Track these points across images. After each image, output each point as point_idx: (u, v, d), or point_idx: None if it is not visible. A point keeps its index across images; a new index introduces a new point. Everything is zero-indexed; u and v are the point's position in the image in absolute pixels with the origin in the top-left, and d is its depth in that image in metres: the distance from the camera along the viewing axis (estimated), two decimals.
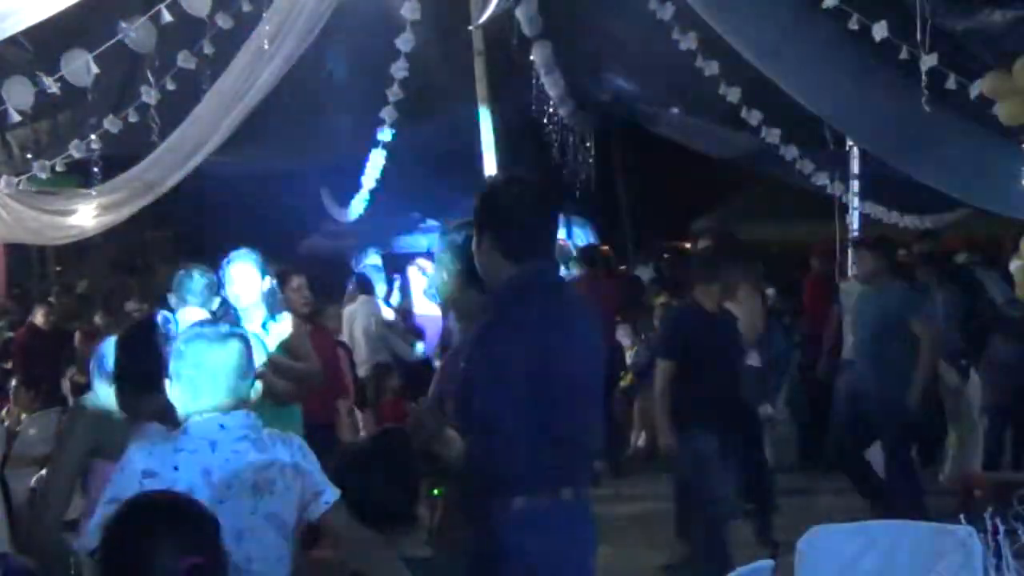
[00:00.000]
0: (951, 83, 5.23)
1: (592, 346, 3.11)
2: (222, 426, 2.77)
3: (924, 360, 6.25)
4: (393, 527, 2.89)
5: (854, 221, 8.54)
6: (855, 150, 8.17)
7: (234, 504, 2.70)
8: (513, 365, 2.83)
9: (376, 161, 9.43)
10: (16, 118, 6.12)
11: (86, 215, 6.93)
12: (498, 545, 2.87)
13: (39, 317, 9.80)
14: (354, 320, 8.20)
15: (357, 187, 10.29)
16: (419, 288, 9.07)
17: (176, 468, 2.70)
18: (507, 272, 2.97)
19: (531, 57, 7.84)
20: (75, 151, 6.46)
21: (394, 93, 7.72)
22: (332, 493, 2.84)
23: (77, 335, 10.58)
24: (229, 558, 2.17)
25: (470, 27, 6.38)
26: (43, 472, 7.47)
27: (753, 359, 6.65)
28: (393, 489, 2.91)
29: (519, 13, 7.03)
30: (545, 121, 8.77)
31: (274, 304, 4.99)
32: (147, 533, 2.04)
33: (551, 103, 8.54)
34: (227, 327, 2.98)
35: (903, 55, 5.19)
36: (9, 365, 9.18)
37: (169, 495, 2.31)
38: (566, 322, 3.01)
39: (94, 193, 6.86)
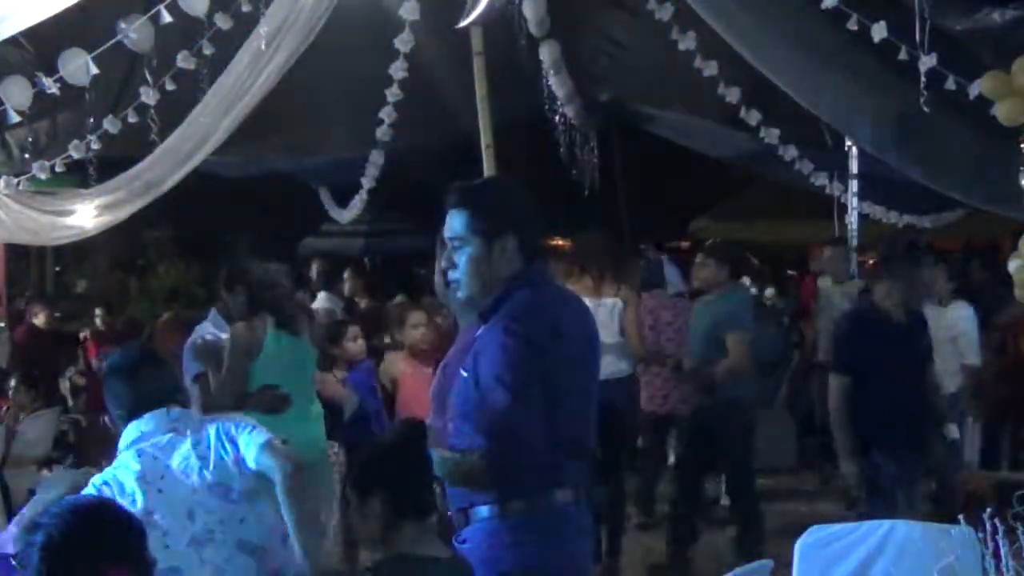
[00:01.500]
0: (950, 83, 5.23)
1: (593, 342, 3.12)
2: (141, 432, 3.16)
3: (721, 372, 6.03)
4: (421, 520, 2.88)
5: (853, 221, 8.54)
6: (854, 150, 8.17)
7: (173, 490, 3.08)
8: (537, 366, 2.82)
9: (374, 161, 9.43)
10: (15, 118, 6.12)
11: (85, 215, 6.92)
12: (497, 547, 2.87)
13: (39, 318, 9.80)
14: None
15: (356, 187, 10.30)
16: None
17: (121, 484, 3.07)
18: (514, 272, 2.95)
19: (540, 58, 7.83)
20: (75, 151, 6.47)
21: (393, 93, 7.72)
22: (257, 438, 3.16)
23: (86, 335, 10.58)
24: (155, 565, 2.14)
25: (455, 27, 6.36)
26: (42, 473, 7.50)
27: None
28: (422, 482, 2.90)
29: (527, 13, 7.02)
30: (556, 120, 8.75)
31: None
32: (70, 541, 1.95)
33: (558, 103, 8.53)
34: (135, 351, 3.48)
35: (902, 55, 5.19)
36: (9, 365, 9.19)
37: (95, 501, 2.24)
38: (572, 318, 3.02)
39: (93, 193, 6.85)
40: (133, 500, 3.02)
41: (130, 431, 3.17)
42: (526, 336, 2.83)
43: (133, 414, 3.19)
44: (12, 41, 5.87)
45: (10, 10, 5.43)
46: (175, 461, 3.11)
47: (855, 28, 5.25)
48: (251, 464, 3.13)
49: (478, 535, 2.92)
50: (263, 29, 5.91)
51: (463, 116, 7.43)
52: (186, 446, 3.14)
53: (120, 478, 3.08)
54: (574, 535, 2.96)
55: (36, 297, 11.20)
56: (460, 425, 2.96)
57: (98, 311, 10.76)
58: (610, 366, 6.09)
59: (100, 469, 3.16)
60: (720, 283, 6.28)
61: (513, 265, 2.95)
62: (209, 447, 3.15)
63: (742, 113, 7.63)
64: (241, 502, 3.11)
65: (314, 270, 10.38)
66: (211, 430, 3.19)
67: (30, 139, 6.64)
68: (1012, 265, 5.89)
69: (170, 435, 3.14)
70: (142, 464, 3.08)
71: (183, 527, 3.04)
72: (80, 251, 12.39)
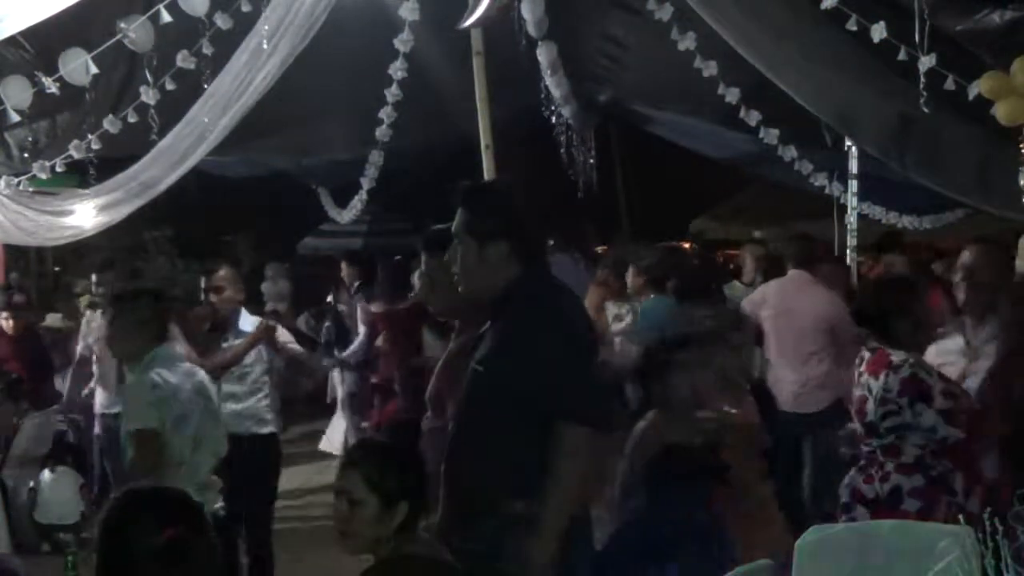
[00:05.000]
0: (950, 83, 5.23)
1: (594, 342, 3.14)
2: (170, 354, 4.49)
3: None
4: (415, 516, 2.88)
5: (852, 221, 8.53)
6: (854, 150, 8.15)
7: (189, 401, 4.40)
8: (544, 367, 2.83)
9: (374, 161, 9.43)
10: (15, 118, 6.12)
11: (83, 215, 6.91)
12: (498, 548, 2.87)
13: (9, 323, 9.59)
14: None
15: (356, 187, 10.29)
16: None
17: (171, 387, 4.34)
18: (512, 276, 2.96)
19: (539, 58, 7.83)
20: (75, 151, 6.46)
21: (393, 93, 7.72)
22: None
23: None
24: (214, 538, 2.38)
25: (456, 27, 6.37)
26: (44, 472, 7.50)
27: None
28: (411, 481, 2.90)
29: (526, 14, 7.03)
30: (554, 122, 8.75)
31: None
32: (133, 516, 2.28)
33: (555, 104, 8.53)
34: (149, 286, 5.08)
35: (901, 56, 5.20)
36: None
37: (154, 487, 2.56)
38: (577, 320, 3.04)
39: (91, 194, 6.85)
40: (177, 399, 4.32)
41: (162, 351, 4.42)
42: (546, 337, 2.85)
43: (161, 337, 4.47)
44: (12, 41, 5.87)
45: (10, 10, 5.44)
46: (188, 384, 4.41)
47: (855, 28, 5.25)
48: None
49: (485, 535, 2.92)
50: (262, 28, 5.91)
51: (463, 116, 7.43)
52: (194, 376, 4.51)
53: (165, 383, 4.30)
54: (576, 536, 2.96)
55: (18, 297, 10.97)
56: (471, 420, 2.97)
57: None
58: None
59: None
60: (639, 291, 6.21)
61: (509, 269, 2.96)
62: (204, 382, 4.58)
63: (742, 113, 7.62)
64: (218, 425, 4.58)
65: (345, 273, 10.21)
66: (197, 370, 4.64)
67: (30, 139, 6.63)
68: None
69: (180, 363, 4.52)
70: (178, 380, 4.34)
71: (191, 430, 4.34)
72: (79, 251, 12.35)
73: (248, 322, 6.29)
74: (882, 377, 4.06)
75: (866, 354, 4.21)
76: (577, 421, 2.79)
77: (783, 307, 6.49)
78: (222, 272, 6.52)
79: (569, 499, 2.82)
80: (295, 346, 6.57)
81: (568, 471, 2.79)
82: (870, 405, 4.10)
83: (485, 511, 2.93)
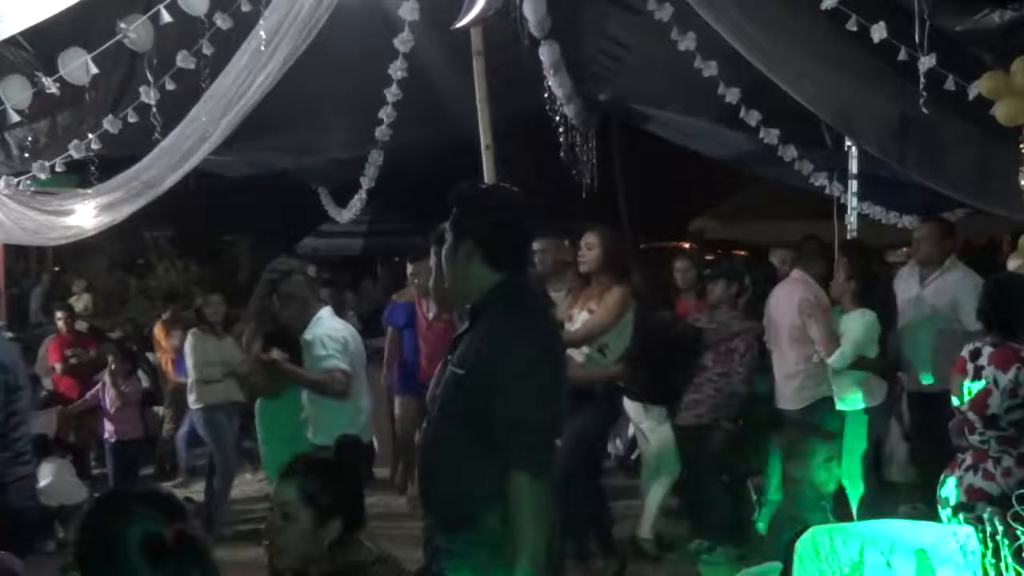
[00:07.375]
0: (950, 84, 5.23)
1: (563, 350, 3.19)
2: None
3: None
4: (350, 531, 2.91)
5: (852, 221, 8.52)
6: (854, 150, 8.15)
7: None
8: (522, 371, 2.84)
9: (374, 161, 9.45)
10: (15, 118, 6.13)
11: (84, 215, 6.92)
12: (475, 549, 2.89)
13: None
14: None
15: (356, 187, 10.31)
16: None
17: None
18: (486, 281, 2.97)
19: (542, 58, 7.83)
20: (75, 151, 6.47)
21: (393, 93, 7.72)
22: None
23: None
24: (206, 541, 2.28)
25: (452, 27, 6.36)
26: (42, 464, 7.50)
27: None
28: (347, 498, 2.93)
29: (528, 14, 7.02)
30: (556, 120, 8.75)
31: None
32: (122, 515, 2.12)
33: (558, 103, 8.53)
34: None
35: (901, 56, 5.20)
36: None
37: (139, 488, 2.49)
38: (550, 328, 3.08)
39: (92, 193, 6.85)
40: None
41: None
42: (521, 343, 2.88)
43: None
44: (12, 41, 5.88)
45: (10, 10, 5.44)
46: None
47: (855, 28, 5.26)
48: None
49: (460, 537, 2.93)
50: (262, 29, 5.92)
51: (463, 116, 7.43)
52: None
53: None
54: None
55: None
56: (441, 420, 2.99)
57: (59, 313, 10.05)
58: None
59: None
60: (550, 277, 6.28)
61: (480, 274, 2.97)
62: None
63: (742, 113, 7.62)
64: None
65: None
66: None
67: (30, 139, 6.64)
68: (1011, 265, 5.90)
69: None
70: None
71: None
72: (79, 251, 12.36)
73: (319, 326, 5.60)
74: (1012, 371, 4.17)
75: (987, 349, 4.29)
76: (535, 474, 2.79)
77: (774, 304, 6.46)
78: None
79: (541, 540, 2.83)
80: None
81: (534, 522, 2.81)
82: (995, 398, 4.18)
83: (456, 512, 2.94)
